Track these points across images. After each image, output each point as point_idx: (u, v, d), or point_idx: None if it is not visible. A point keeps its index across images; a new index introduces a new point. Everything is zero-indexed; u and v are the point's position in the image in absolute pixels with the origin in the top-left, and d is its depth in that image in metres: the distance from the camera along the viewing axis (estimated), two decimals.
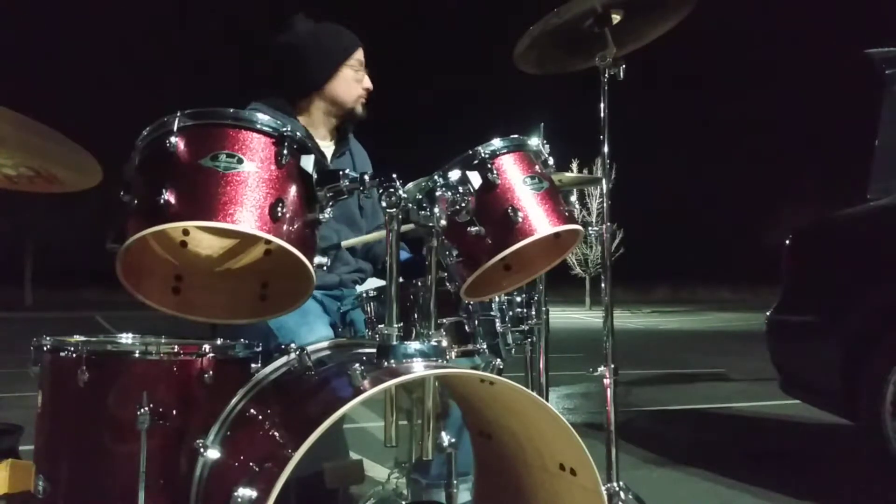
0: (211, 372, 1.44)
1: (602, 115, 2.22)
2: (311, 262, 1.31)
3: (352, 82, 2.27)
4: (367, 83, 2.31)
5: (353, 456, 1.95)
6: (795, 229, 3.86)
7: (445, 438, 1.49)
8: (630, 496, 2.07)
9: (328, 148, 2.33)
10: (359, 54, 2.28)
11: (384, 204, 1.37)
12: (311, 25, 2.28)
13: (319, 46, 2.24)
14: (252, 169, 1.27)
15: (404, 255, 2.19)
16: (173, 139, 1.26)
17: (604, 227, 2.26)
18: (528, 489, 1.57)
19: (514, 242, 1.45)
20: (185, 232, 1.45)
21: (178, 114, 1.29)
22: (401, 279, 1.43)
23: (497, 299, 1.83)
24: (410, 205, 1.41)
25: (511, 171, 1.51)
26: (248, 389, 1.47)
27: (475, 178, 1.46)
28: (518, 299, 1.94)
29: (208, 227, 1.33)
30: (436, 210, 1.41)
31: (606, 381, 2.13)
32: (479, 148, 1.50)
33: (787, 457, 3.91)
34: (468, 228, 1.46)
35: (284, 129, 1.32)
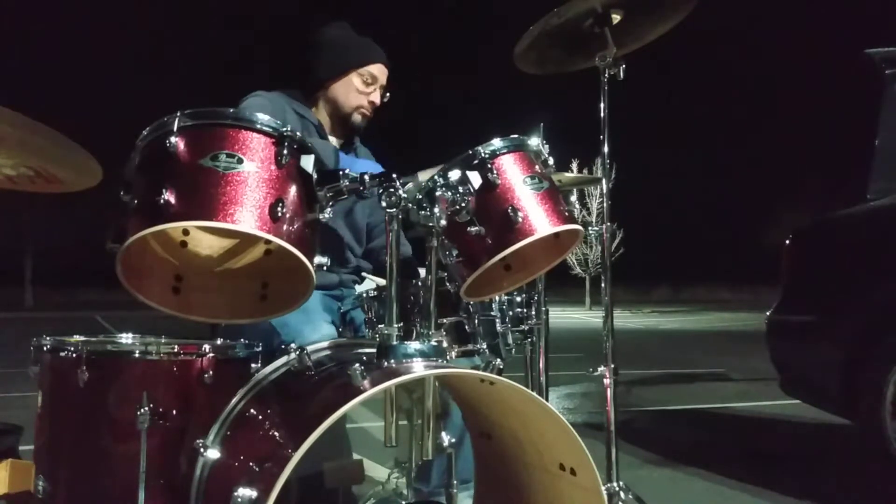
0: (211, 372, 1.44)
1: (602, 115, 2.22)
2: (311, 261, 1.31)
3: (354, 90, 2.26)
4: (375, 97, 2.29)
5: (354, 456, 1.95)
6: (795, 229, 3.85)
7: (446, 439, 1.49)
8: (630, 496, 2.06)
9: (336, 143, 2.33)
10: (376, 69, 2.27)
11: (384, 204, 1.37)
12: (342, 31, 2.29)
13: (336, 46, 2.27)
14: (252, 169, 1.27)
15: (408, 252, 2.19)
16: (173, 139, 1.26)
17: (604, 227, 2.26)
18: (528, 489, 1.57)
19: (514, 242, 1.45)
20: (186, 232, 1.45)
21: (178, 114, 1.29)
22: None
23: (497, 299, 1.83)
24: (410, 205, 1.42)
25: (511, 170, 1.51)
26: (248, 389, 1.47)
27: (475, 178, 1.46)
28: (518, 299, 1.94)
29: (208, 227, 1.33)
30: (436, 210, 1.41)
31: (606, 381, 2.13)
32: (479, 148, 1.50)
33: (787, 457, 3.91)
34: (468, 228, 1.46)
35: (284, 129, 1.33)
